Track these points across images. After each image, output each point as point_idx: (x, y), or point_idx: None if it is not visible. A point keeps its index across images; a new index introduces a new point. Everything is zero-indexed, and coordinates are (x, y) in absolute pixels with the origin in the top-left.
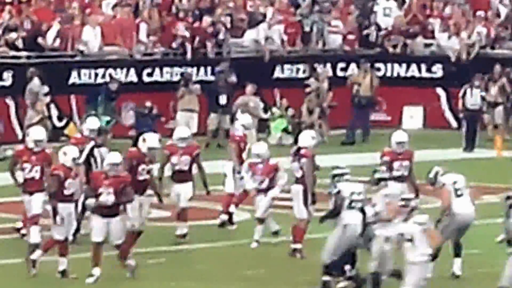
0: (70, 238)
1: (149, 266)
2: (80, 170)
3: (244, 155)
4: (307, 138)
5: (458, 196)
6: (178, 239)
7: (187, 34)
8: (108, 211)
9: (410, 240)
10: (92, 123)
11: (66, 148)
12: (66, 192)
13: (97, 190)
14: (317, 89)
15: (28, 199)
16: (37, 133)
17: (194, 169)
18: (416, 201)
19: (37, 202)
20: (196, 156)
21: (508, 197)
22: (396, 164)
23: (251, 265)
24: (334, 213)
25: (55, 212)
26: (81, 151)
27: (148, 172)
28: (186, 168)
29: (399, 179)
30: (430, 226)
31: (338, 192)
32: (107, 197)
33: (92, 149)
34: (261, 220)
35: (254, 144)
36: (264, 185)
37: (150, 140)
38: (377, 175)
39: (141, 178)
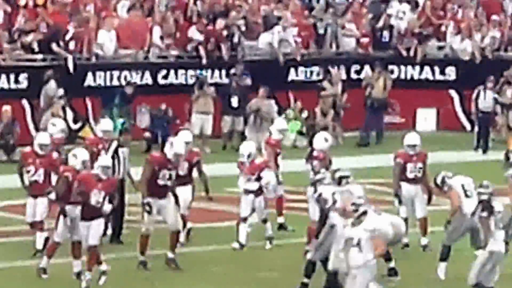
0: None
1: (164, 269)
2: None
3: (279, 160)
4: (320, 140)
5: (468, 197)
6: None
7: (201, 37)
8: (93, 214)
9: (357, 244)
10: (106, 124)
11: (76, 150)
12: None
13: (89, 193)
14: (332, 92)
15: (33, 202)
16: (43, 137)
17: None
18: (366, 205)
19: (41, 208)
20: (196, 163)
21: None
22: (409, 166)
23: (264, 267)
24: (323, 218)
25: (62, 214)
26: (97, 153)
27: (170, 178)
28: (182, 173)
29: (413, 181)
30: (377, 234)
31: (320, 195)
32: (98, 200)
33: (116, 149)
34: (264, 220)
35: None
36: (254, 186)
37: (177, 145)
38: (338, 174)
39: (161, 183)
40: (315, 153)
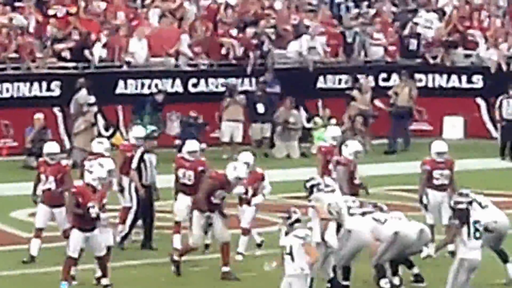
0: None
1: (192, 274)
2: (134, 175)
3: (330, 167)
4: (346, 148)
5: (483, 208)
6: None
7: (234, 44)
8: (90, 225)
9: (290, 253)
10: (138, 131)
11: (102, 160)
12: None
13: (85, 205)
14: (361, 100)
15: (47, 210)
16: (51, 147)
17: None
18: (299, 214)
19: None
20: (200, 172)
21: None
22: (436, 173)
23: None
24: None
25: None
26: (130, 159)
27: (223, 198)
28: (189, 182)
29: (440, 187)
30: (308, 241)
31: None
32: (96, 211)
33: (142, 155)
34: (247, 231)
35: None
36: (248, 194)
37: (240, 169)
38: (309, 183)
39: (215, 201)
40: (340, 159)
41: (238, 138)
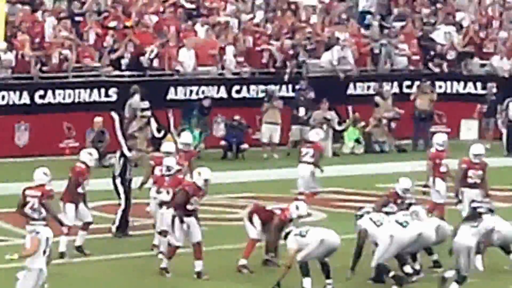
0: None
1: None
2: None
3: (443, 169)
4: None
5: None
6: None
7: (274, 52)
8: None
9: None
10: (186, 137)
11: (201, 169)
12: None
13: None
14: (383, 105)
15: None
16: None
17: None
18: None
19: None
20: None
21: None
22: (470, 172)
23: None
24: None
25: (180, 220)
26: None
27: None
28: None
29: (473, 185)
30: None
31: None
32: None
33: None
34: (165, 232)
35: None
36: (168, 197)
37: (205, 173)
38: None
39: (190, 208)
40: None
41: (276, 139)
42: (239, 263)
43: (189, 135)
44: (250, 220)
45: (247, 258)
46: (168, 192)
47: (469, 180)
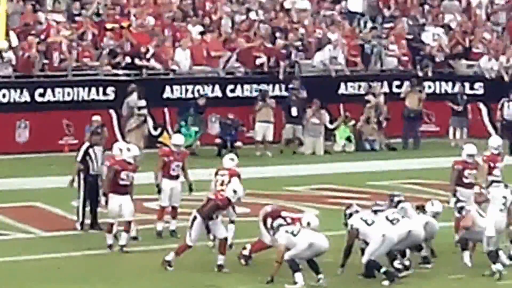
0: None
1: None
2: (79, 166)
3: (497, 172)
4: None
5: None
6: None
7: (264, 56)
8: None
9: None
10: (178, 139)
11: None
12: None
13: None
14: (375, 103)
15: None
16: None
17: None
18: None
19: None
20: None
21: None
22: (466, 172)
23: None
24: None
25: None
26: (168, 163)
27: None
28: (127, 183)
29: (469, 185)
30: None
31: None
32: None
33: (87, 149)
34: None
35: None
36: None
37: (133, 149)
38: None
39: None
40: None
41: (270, 137)
42: (242, 251)
43: (181, 137)
44: (265, 223)
45: (251, 252)
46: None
47: (465, 180)
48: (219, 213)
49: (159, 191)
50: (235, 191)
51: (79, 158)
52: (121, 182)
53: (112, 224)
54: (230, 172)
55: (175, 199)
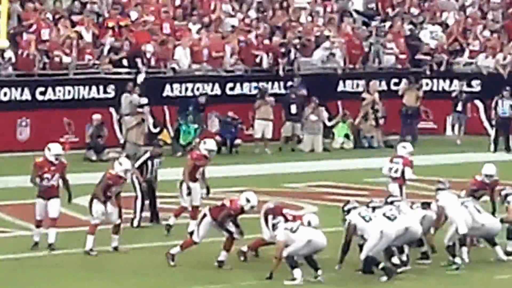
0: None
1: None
2: (136, 172)
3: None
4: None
5: (480, 213)
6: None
7: (262, 54)
8: None
9: None
10: (211, 144)
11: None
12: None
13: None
14: (372, 101)
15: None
16: (56, 148)
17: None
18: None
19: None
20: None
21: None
22: (478, 193)
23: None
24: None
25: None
26: (197, 168)
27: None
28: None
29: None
30: None
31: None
32: None
33: (146, 160)
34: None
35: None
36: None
37: (125, 163)
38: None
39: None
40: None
41: (269, 135)
42: (241, 247)
43: (214, 143)
44: (266, 220)
45: (249, 249)
46: None
47: (476, 195)
48: (230, 220)
49: (189, 193)
50: (248, 200)
51: (136, 165)
52: (109, 194)
53: (96, 225)
54: None
55: (196, 199)
